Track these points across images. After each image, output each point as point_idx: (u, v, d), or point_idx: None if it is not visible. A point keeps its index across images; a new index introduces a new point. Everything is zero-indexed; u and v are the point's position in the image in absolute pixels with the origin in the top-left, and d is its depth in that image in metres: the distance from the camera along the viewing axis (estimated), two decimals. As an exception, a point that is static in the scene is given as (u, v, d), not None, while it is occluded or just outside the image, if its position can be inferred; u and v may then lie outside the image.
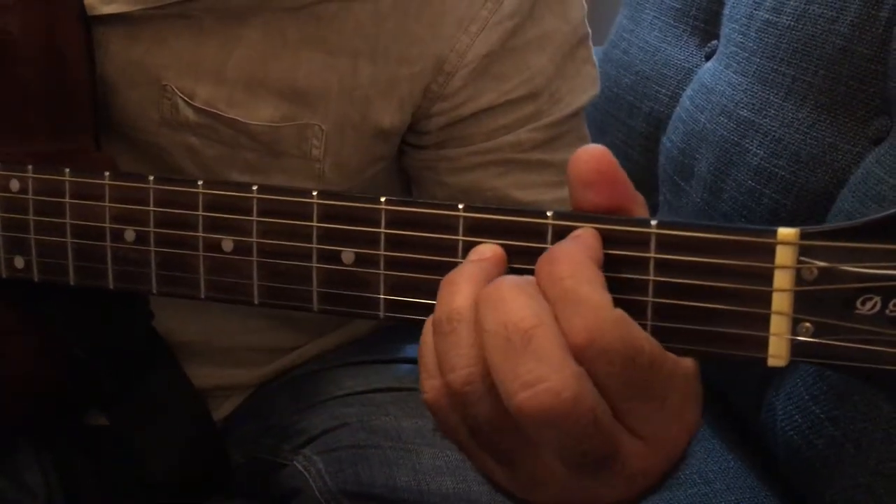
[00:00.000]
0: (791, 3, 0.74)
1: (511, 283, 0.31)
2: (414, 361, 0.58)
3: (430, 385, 0.33)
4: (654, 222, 0.32)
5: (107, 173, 0.42)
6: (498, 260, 0.34)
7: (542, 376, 0.30)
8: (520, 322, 0.30)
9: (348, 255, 0.37)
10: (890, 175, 0.64)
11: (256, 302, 0.39)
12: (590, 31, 0.60)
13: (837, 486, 0.64)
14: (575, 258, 0.31)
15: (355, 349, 0.68)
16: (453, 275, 0.33)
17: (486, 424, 0.32)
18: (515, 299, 0.31)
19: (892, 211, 0.28)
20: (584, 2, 0.59)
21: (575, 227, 0.33)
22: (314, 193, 0.38)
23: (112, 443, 0.59)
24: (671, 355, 0.31)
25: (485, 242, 0.35)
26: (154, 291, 0.42)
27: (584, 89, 0.59)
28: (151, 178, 0.41)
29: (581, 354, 0.30)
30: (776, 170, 0.73)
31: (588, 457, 0.31)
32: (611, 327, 0.30)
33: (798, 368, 0.69)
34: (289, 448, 0.61)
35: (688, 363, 0.32)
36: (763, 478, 0.75)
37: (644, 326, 0.32)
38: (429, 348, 0.33)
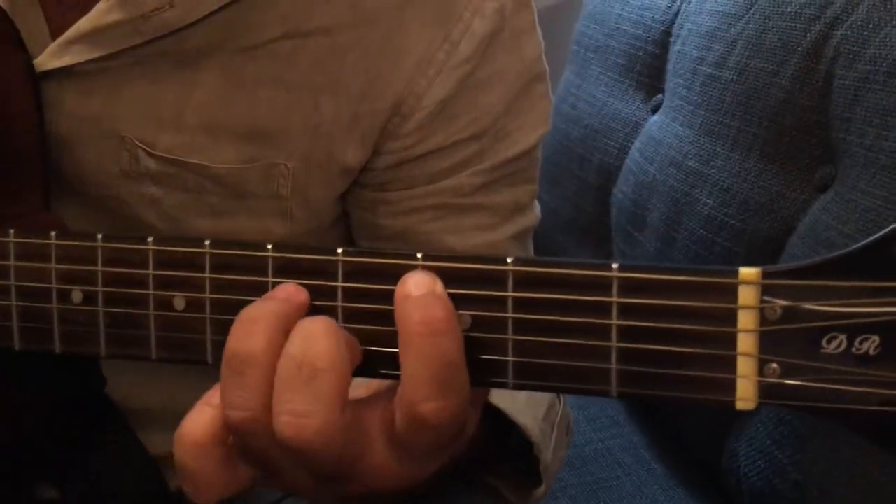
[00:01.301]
0: (733, 58, 0.76)
1: (329, 326, 0.34)
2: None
3: (202, 411, 0.36)
4: (615, 265, 0.32)
5: (53, 233, 0.41)
6: (301, 303, 0.35)
7: (307, 412, 0.33)
8: (316, 359, 0.33)
9: (305, 308, 0.36)
10: (837, 221, 0.65)
11: (210, 360, 0.38)
12: (547, 68, 0.59)
13: (803, 531, 0.64)
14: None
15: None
16: (254, 312, 0.35)
17: (256, 449, 0.35)
18: (324, 340, 0.33)
19: (852, 248, 0.28)
20: (541, 40, 0.59)
21: (534, 273, 0.33)
22: (269, 247, 0.37)
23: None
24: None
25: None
26: (102, 354, 0.40)
27: (534, 126, 0.58)
28: (100, 236, 0.40)
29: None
30: (726, 218, 0.74)
31: (326, 476, 0.35)
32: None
33: (759, 413, 0.70)
34: (247, 514, 0.59)
35: None
36: (729, 526, 0.75)
37: (609, 371, 0.32)
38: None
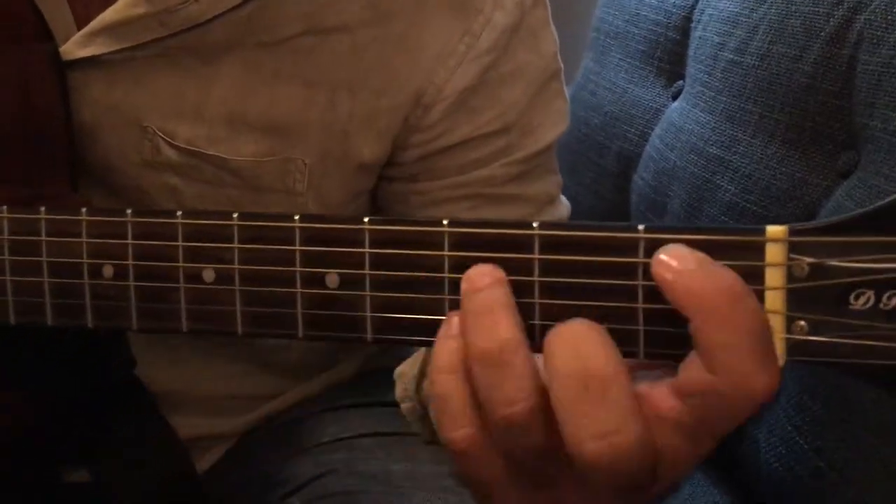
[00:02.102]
0: (755, 43, 0.76)
1: (589, 327, 0.31)
2: (395, 405, 0.57)
3: (462, 434, 0.32)
4: (641, 227, 0.32)
5: (83, 209, 0.41)
6: (507, 281, 0.33)
7: (617, 428, 0.30)
8: (599, 370, 0.30)
9: (333, 277, 0.36)
10: (860, 207, 0.65)
11: (240, 331, 0.38)
12: (562, 65, 0.61)
13: (826, 516, 0.63)
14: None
15: (338, 394, 0.67)
16: (484, 303, 0.32)
17: (533, 452, 0.32)
18: (598, 346, 0.30)
19: (880, 204, 0.28)
20: (556, 37, 0.60)
21: (560, 237, 0.33)
22: (296, 217, 0.37)
23: (93, 499, 0.57)
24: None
25: (472, 258, 0.34)
26: (134, 327, 0.41)
27: (555, 123, 0.60)
28: (129, 211, 0.40)
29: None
30: (748, 205, 0.74)
31: (630, 489, 0.31)
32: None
33: (779, 400, 0.69)
34: (275, 497, 0.60)
35: None
36: (750, 511, 0.75)
37: (636, 332, 0.32)
38: (456, 390, 0.32)
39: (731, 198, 0.76)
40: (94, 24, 0.51)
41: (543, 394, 0.31)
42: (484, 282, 0.33)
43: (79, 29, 0.52)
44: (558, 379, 0.30)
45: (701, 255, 0.30)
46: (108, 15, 0.51)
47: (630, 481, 0.31)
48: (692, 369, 0.30)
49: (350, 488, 0.57)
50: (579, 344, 0.31)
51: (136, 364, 0.55)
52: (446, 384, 0.32)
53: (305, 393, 0.66)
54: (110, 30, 0.51)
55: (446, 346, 0.33)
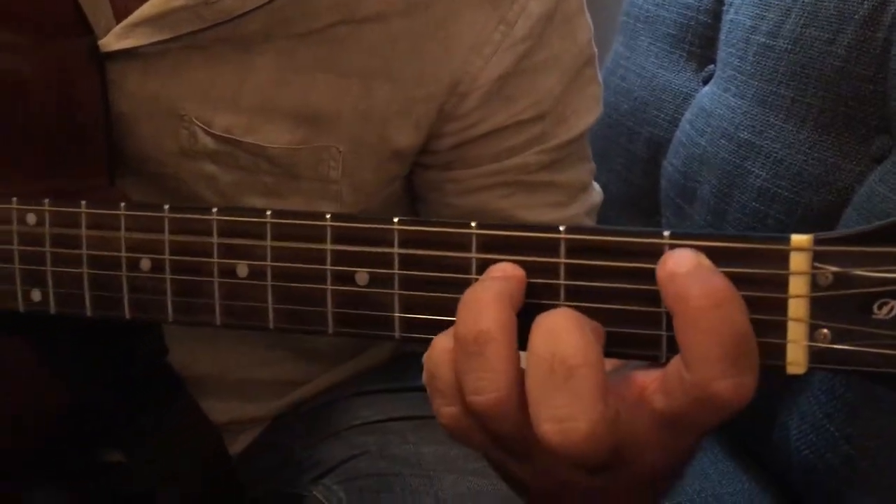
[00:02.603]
0: (787, 26, 0.75)
1: (570, 317, 0.32)
2: (425, 389, 0.58)
3: (448, 412, 0.34)
4: (666, 233, 0.32)
5: (122, 203, 0.42)
6: (520, 279, 0.34)
7: (572, 415, 0.31)
8: (568, 357, 0.31)
9: (362, 276, 0.37)
10: (894, 192, 0.64)
11: (272, 326, 0.39)
12: (596, 51, 0.60)
13: (854, 503, 0.63)
14: None
15: (369, 379, 0.68)
16: (478, 293, 0.33)
17: (509, 437, 0.33)
18: (571, 333, 0.31)
19: (904, 214, 0.28)
20: (590, 23, 0.60)
21: (586, 241, 0.34)
22: (327, 216, 0.38)
23: (128, 479, 0.59)
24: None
25: (499, 260, 0.35)
26: (170, 320, 0.42)
27: (589, 109, 0.60)
28: (166, 206, 0.41)
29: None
30: (779, 191, 0.74)
31: (593, 470, 0.33)
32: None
33: (810, 386, 0.69)
34: (307, 479, 0.61)
35: None
36: (778, 498, 0.75)
37: (659, 337, 0.33)
38: (443, 370, 0.33)
39: (762, 183, 0.75)
40: (134, 16, 0.52)
41: (520, 385, 0.32)
42: (493, 274, 0.34)
43: (118, 22, 0.53)
44: (530, 360, 0.32)
45: (704, 261, 0.31)
46: (147, 8, 0.52)
47: (586, 463, 0.32)
48: (675, 364, 0.32)
49: (381, 471, 0.58)
50: (553, 330, 0.32)
51: (167, 352, 0.56)
52: (435, 363, 0.34)
53: (336, 378, 0.68)
54: (149, 22, 0.52)
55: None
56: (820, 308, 0.30)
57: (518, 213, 0.58)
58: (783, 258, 0.30)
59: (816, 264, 0.30)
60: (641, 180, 0.94)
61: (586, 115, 0.60)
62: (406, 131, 0.56)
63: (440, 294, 0.36)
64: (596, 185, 0.64)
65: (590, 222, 0.62)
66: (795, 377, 0.31)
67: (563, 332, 0.31)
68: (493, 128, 0.57)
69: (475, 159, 0.58)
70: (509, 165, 0.58)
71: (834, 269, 0.30)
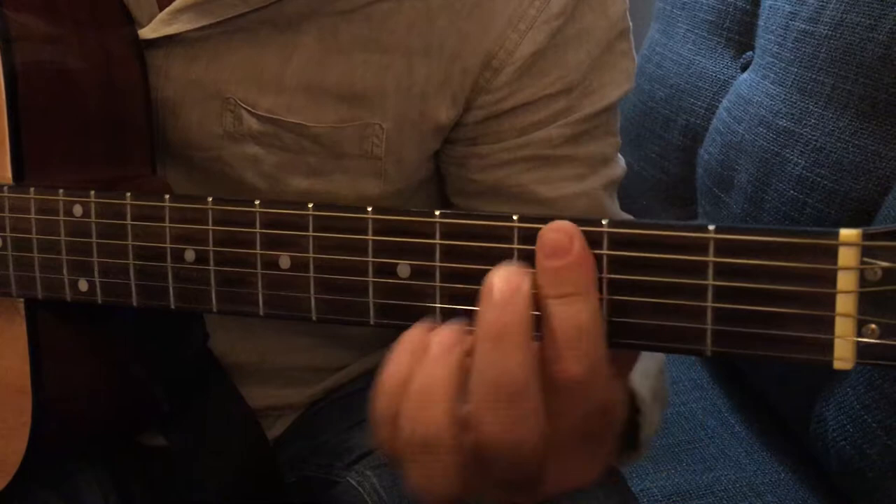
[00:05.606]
0: (828, 12, 0.74)
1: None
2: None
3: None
4: (711, 227, 0.32)
5: (167, 196, 0.43)
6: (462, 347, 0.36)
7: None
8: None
9: (404, 267, 0.38)
10: (935, 181, 0.63)
11: (314, 317, 0.40)
12: (630, 24, 0.59)
13: (892, 495, 0.63)
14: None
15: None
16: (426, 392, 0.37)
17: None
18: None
19: (956, 209, 0.28)
20: None
21: (629, 234, 0.33)
22: (369, 209, 0.38)
23: (168, 463, 0.60)
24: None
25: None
26: (214, 310, 0.42)
27: (618, 84, 0.59)
28: (210, 198, 0.42)
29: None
30: (819, 179, 0.73)
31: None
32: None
33: (848, 378, 0.69)
34: (341, 465, 0.62)
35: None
36: (815, 489, 0.75)
37: (704, 331, 0.32)
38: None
39: (800, 171, 0.74)
40: (178, 3, 0.53)
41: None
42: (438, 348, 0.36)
43: (161, 9, 0.53)
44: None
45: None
46: None
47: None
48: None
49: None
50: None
51: (209, 338, 0.57)
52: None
53: (369, 364, 0.68)
54: (193, 8, 0.52)
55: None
56: (868, 303, 0.30)
57: (537, 189, 0.58)
58: (831, 253, 0.30)
59: (865, 259, 0.30)
60: (677, 168, 0.94)
61: (614, 89, 0.59)
62: (445, 106, 0.56)
63: (480, 286, 0.36)
64: (620, 158, 0.63)
65: (608, 196, 0.61)
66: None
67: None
68: (521, 102, 0.56)
69: (501, 134, 0.57)
70: (533, 139, 0.57)
71: (884, 264, 0.29)
